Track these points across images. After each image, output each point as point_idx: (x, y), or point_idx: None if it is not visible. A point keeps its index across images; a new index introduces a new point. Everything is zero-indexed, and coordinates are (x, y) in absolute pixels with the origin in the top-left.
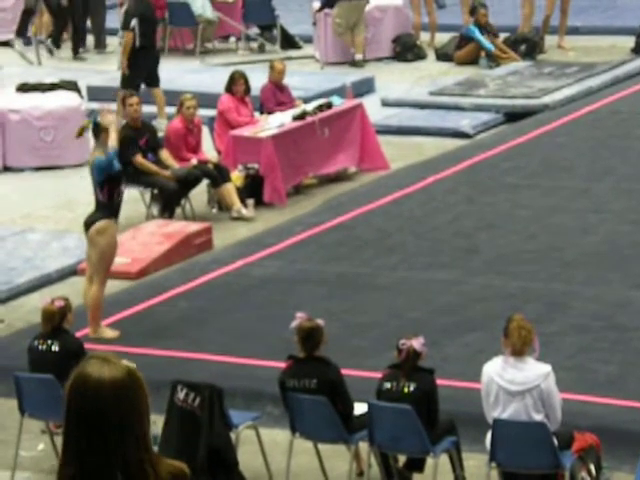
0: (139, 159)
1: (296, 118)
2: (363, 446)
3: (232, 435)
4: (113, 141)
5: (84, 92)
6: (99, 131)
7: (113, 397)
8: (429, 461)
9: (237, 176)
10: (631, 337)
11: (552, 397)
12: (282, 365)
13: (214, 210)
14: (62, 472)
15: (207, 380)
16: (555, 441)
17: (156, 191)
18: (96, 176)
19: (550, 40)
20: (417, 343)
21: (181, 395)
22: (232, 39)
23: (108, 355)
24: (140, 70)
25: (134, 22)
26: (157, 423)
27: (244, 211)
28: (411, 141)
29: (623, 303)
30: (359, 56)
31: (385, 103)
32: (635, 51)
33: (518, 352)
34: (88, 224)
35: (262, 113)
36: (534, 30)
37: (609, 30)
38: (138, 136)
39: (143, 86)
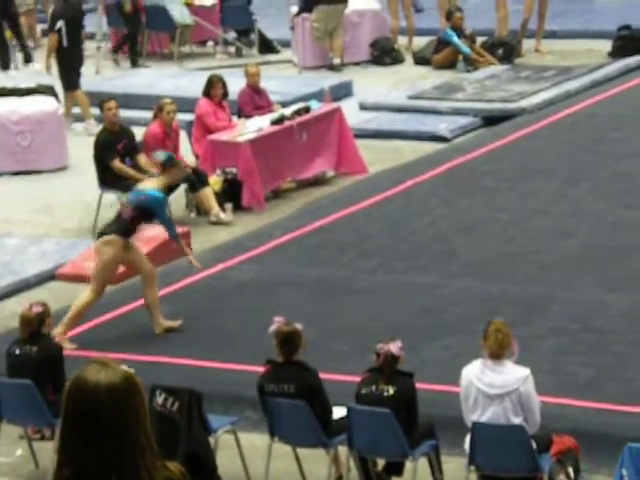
0: (117, 164)
1: (274, 122)
2: (342, 450)
3: (211, 439)
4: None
5: (61, 97)
6: (171, 166)
7: (109, 401)
8: (408, 465)
9: (215, 180)
10: (609, 340)
11: (531, 400)
12: (261, 369)
13: (192, 214)
14: (57, 474)
15: (186, 384)
16: (534, 444)
17: None
18: (138, 201)
19: (527, 44)
20: (394, 347)
21: (160, 400)
22: (210, 43)
23: (107, 360)
24: (72, 68)
25: (60, 23)
26: None
27: (222, 215)
28: (389, 145)
29: (601, 306)
30: (337, 60)
31: (363, 107)
32: (612, 54)
33: (495, 355)
34: (100, 234)
35: (240, 117)
36: (511, 34)
37: (586, 34)
38: (116, 140)
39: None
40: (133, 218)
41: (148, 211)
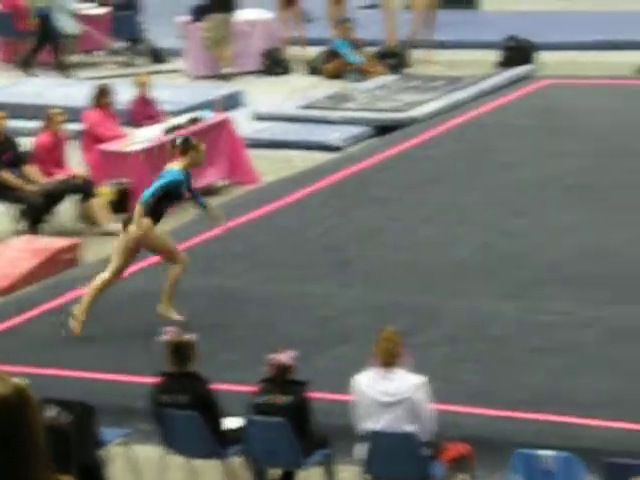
0: (4, 174)
1: (167, 132)
2: (238, 460)
3: (103, 452)
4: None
5: None
6: (188, 148)
7: (0, 413)
8: (301, 474)
9: (106, 191)
10: (500, 347)
11: (423, 408)
12: (153, 381)
13: (83, 225)
14: None
15: (78, 397)
16: (428, 451)
17: (23, 206)
18: (160, 184)
19: (416, 54)
20: (286, 357)
21: (51, 413)
22: (100, 53)
23: None
24: None
25: None
26: None
27: (112, 226)
28: (282, 155)
29: (493, 314)
30: (228, 69)
31: (256, 117)
32: (502, 64)
33: (386, 364)
34: (125, 222)
35: (131, 127)
36: (401, 44)
37: (474, 44)
38: (1, 151)
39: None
40: (158, 199)
41: (171, 192)
